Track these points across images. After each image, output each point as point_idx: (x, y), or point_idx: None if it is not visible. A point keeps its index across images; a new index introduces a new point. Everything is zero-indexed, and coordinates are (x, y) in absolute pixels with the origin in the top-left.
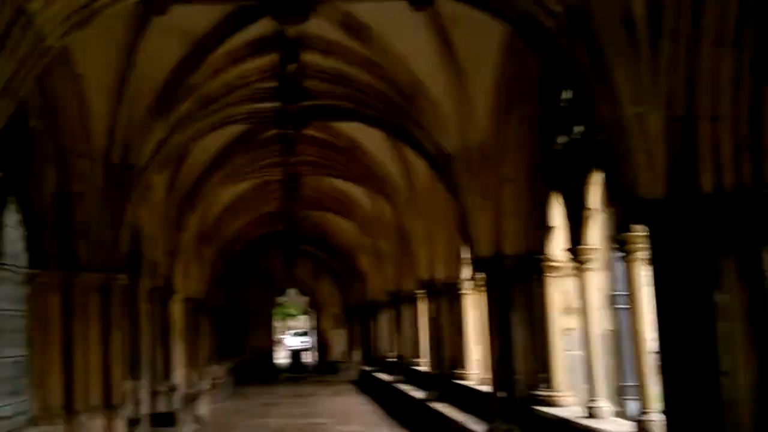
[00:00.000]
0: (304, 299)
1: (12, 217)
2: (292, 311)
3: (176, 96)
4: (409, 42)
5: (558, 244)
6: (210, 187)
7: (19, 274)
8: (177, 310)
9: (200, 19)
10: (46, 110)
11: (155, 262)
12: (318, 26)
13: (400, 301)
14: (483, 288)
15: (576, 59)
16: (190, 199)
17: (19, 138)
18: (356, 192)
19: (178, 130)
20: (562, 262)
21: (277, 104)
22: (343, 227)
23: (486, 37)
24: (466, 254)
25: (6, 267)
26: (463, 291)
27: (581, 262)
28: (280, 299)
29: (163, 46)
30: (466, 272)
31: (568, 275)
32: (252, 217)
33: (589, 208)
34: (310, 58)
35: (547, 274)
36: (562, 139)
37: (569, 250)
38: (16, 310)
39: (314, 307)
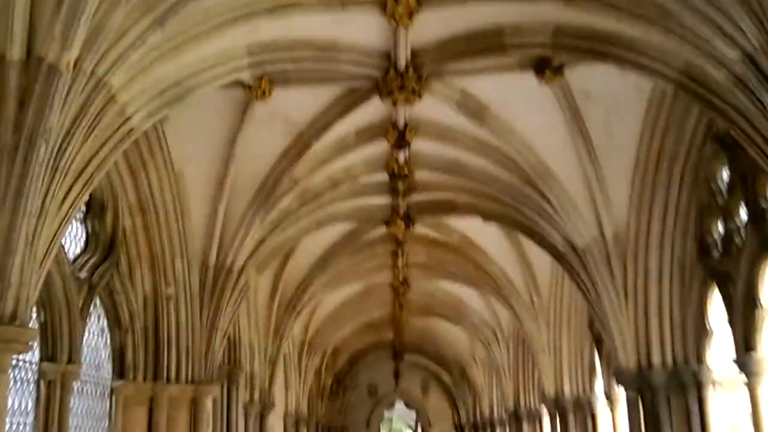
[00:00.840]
0: (412, 413)
1: (96, 323)
2: (399, 426)
3: (277, 190)
4: (534, 121)
5: (720, 352)
6: (313, 292)
7: (100, 386)
8: (276, 425)
9: (304, 104)
10: (140, 208)
11: (252, 372)
12: (431, 108)
13: (520, 419)
14: (624, 406)
15: (746, 119)
16: (291, 305)
17: (110, 238)
18: (469, 295)
19: (280, 228)
20: (726, 374)
21: (385, 199)
22: (454, 335)
23: (623, 113)
24: (600, 365)
25: (87, 379)
26: (598, 409)
27: (752, 375)
28: (387, 413)
29: (265, 136)
30: (600, 386)
31: (734, 390)
32: (357, 324)
33: (760, 306)
34: (422, 145)
35: (708, 390)
36: (721, 224)
37: (736, 359)
38: (97, 426)
39: (422, 423)
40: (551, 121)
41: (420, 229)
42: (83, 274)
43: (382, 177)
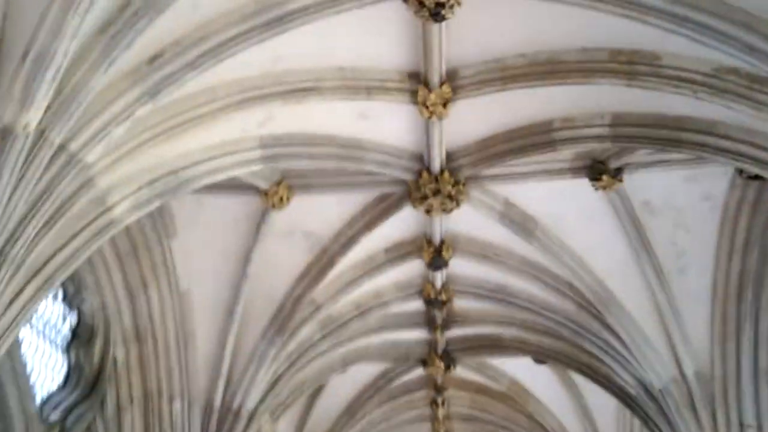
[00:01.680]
0: None
1: None
2: None
3: (296, 317)
4: (590, 236)
5: None
6: None
7: None
8: None
9: (329, 214)
10: (136, 336)
11: None
12: (470, 219)
13: None
14: None
15: None
16: None
17: (97, 371)
18: None
19: (298, 363)
20: None
21: (421, 333)
22: None
23: (692, 226)
24: None
25: None
26: None
27: None
28: None
29: (283, 252)
30: None
31: None
32: None
33: None
34: (461, 265)
35: None
36: None
37: None
38: None
39: None
40: (610, 236)
41: (462, 371)
42: (54, 416)
43: (417, 304)
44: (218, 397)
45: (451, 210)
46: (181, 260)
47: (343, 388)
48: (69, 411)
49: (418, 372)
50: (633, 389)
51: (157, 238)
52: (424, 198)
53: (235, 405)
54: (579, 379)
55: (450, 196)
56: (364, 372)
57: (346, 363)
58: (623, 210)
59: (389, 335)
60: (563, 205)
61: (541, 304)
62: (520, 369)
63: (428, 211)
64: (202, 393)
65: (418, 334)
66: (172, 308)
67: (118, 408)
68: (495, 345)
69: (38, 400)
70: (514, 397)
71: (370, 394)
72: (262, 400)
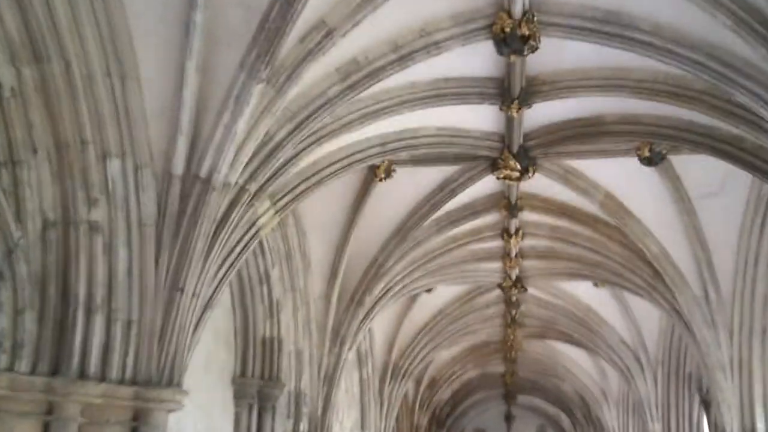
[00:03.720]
0: None
1: None
2: None
3: None
4: None
5: None
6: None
7: None
8: None
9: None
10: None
11: (299, 391)
12: None
13: None
14: None
15: None
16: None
17: None
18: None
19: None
20: None
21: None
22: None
23: None
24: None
25: None
26: None
27: None
28: None
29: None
30: None
31: None
32: (460, 349)
33: None
34: None
35: None
36: None
37: None
38: None
39: None
40: None
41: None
42: None
43: None
44: (179, 160)
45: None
46: None
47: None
48: None
49: None
50: None
51: None
52: None
53: (203, 173)
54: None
55: None
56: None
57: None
58: None
59: None
60: None
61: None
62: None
63: None
64: (154, 154)
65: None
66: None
67: (13, 162)
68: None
69: None
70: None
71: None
72: (252, 177)
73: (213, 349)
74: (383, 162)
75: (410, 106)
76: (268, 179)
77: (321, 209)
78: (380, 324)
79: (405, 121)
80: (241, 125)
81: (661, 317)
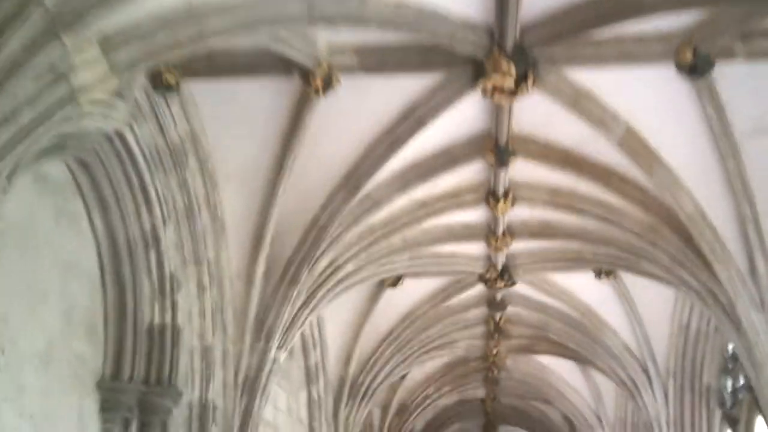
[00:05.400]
0: None
1: None
2: None
3: None
4: None
5: None
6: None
7: None
8: None
9: None
10: None
11: (205, 402)
12: None
13: None
14: None
15: None
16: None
17: None
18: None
19: None
20: None
21: None
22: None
23: None
24: None
25: None
26: None
27: None
28: None
29: None
30: None
31: None
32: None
33: None
34: None
35: None
36: None
37: None
38: None
39: None
40: None
41: None
42: None
43: None
44: None
45: None
46: None
47: None
48: None
49: None
50: None
51: None
52: None
53: None
54: None
55: None
56: None
57: None
58: None
59: None
60: None
61: None
62: None
63: None
64: None
65: None
66: None
67: None
68: None
69: None
70: None
71: None
72: None
73: (61, 336)
74: (320, 64)
75: None
76: None
77: (237, 147)
78: (334, 329)
79: None
80: None
81: (674, 315)
